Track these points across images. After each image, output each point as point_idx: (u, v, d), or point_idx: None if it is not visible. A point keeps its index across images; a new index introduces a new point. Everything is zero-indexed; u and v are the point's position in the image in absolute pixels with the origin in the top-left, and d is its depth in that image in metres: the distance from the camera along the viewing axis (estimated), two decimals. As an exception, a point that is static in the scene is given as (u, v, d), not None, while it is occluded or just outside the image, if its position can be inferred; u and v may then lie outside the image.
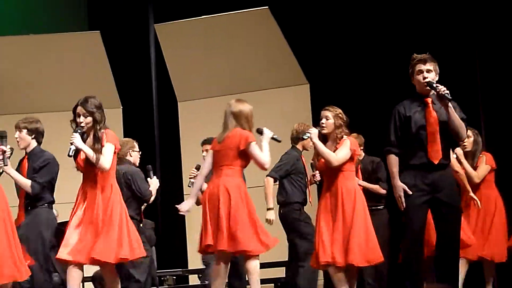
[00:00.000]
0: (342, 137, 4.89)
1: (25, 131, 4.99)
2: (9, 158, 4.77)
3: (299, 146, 5.85)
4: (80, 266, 4.19)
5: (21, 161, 4.99)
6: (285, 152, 5.89)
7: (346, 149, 4.81)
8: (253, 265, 4.61)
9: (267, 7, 8.09)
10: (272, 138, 4.82)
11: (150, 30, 9.17)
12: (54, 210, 5.81)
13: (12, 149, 4.81)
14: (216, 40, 8.67)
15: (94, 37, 8.74)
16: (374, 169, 6.07)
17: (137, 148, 5.75)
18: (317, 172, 5.64)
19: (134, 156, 5.61)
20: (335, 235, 4.81)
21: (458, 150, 5.74)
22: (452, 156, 5.48)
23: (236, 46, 8.66)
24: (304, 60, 8.42)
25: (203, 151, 5.76)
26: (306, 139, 5.23)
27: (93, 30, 9.15)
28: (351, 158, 4.86)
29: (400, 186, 4.44)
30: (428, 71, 4.38)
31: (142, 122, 9.20)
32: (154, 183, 5.51)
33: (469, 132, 5.66)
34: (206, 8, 8.53)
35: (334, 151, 4.86)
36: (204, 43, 8.66)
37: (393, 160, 4.51)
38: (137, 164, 5.71)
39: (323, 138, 4.96)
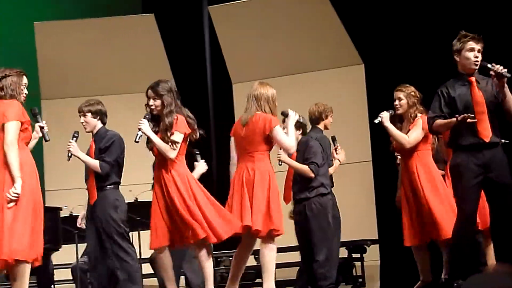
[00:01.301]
0: (416, 115, 4.95)
1: (89, 114, 5.07)
2: (75, 139, 4.93)
3: (321, 126, 5.82)
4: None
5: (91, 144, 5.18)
6: (309, 134, 5.88)
7: (418, 129, 4.88)
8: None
9: None
10: (298, 121, 4.96)
11: (204, 12, 9.20)
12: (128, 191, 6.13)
13: (77, 132, 4.99)
14: (270, 21, 8.65)
15: (149, 20, 8.87)
16: (437, 150, 5.82)
17: None
18: (338, 146, 5.92)
19: None
20: (418, 214, 5.00)
21: None
22: None
23: (290, 27, 8.61)
24: (359, 40, 8.33)
25: None
26: (377, 123, 5.20)
27: (147, 13, 9.29)
28: (425, 137, 4.90)
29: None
30: (479, 51, 4.35)
31: (197, 104, 8.92)
32: (200, 166, 5.55)
33: None
34: None
35: (408, 131, 4.97)
36: (258, 24, 8.66)
37: (441, 121, 4.45)
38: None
39: (399, 118, 5.07)
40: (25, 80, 4.06)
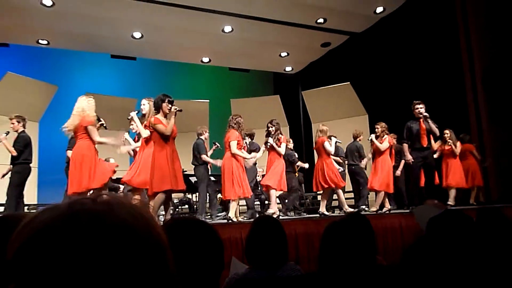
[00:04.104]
0: (384, 136, 6.48)
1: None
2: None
3: (357, 140, 7.31)
4: None
5: None
6: (354, 143, 7.24)
7: (386, 143, 6.45)
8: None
9: (348, 82, 10.11)
10: (336, 141, 6.60)
11: (300, 93, 11.57)
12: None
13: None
14: (333, 99, 10.30)
15: (276, 99, 11.28)
16: (398, 151, 7.00)
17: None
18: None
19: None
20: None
21: (454, 142, 7.11)
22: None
23: (333, 99, 10.20)
24: (365, 98, 9.91)
25: None
26: (369, 139, 6.56)
27: (276, 94, 11.67)
28: (390, 146, 6.50)
29: (410, 157, 5.87)
30: (423, 107, 5.81)
31: (294, 133, 10.98)
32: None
33: (447, 130, 7.17)
34: (325, 83, 10.42)
35: (381, 143, 6.41)
36: (326, 100, 10.41)
37: (406, 146, 5.95)
38: None
39: (377, 137, 6.49)
40: (241, 120, 5.49)
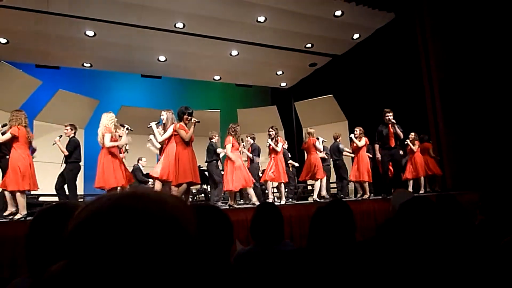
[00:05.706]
0: (362, 137, 6.34)
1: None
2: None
3: (338, 140, 6.96)
4: None
5: None
6: (335, 143, 6.93)
7: (363, 141, 6.29)
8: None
9: (331, 95, 9.87)
10: (322, 140, 6.37)
11: (292, 104, 11.33)
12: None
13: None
14: (319, 108, 10.15)
15: (273, 109, 11.36)
16: (371, 148, 6.86)
17: None
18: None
19: None
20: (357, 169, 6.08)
21: (413, 142, 6.93)
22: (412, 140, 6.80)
23: (319, 108, 10.12)
24: (345, 107, 9.82)
25: None
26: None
27: (272, 105, 11.79)
28: (364, 144, 6.31)
29: (379, 155, 5.83)
30: (391, 115, 5.75)
31: (289, 137, 10.75)
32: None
33: (413, 133, 7.01)
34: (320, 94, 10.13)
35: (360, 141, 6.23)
36: (313, 109, 10.34)
37: (377, 146, 5.92)
38: None
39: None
40: (238, 128, 5.47)
